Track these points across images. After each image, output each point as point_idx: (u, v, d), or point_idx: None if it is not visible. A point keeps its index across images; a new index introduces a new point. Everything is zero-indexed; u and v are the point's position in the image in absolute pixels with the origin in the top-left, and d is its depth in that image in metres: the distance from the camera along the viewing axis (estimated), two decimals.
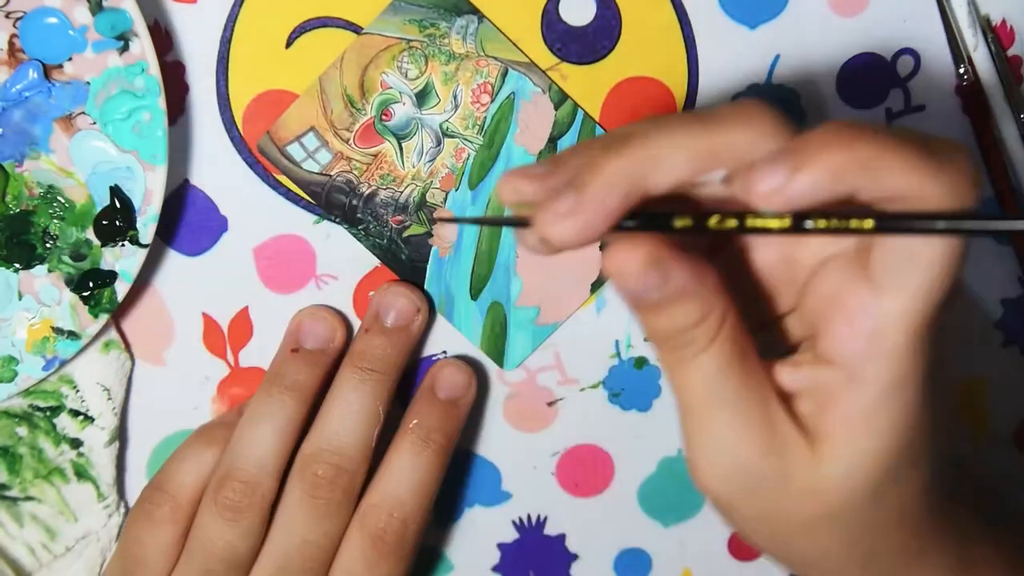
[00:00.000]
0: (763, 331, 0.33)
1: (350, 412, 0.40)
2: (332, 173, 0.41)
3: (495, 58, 0.41)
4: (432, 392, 0.43)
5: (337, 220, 0.42)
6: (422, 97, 0.41)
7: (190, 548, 0.40)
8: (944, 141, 0.27)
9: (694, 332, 0.29)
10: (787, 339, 0.33)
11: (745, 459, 0.30)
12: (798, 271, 0.32)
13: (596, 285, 0.44)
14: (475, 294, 0.43)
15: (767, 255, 0.32)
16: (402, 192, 0.42)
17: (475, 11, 0.41)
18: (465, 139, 0.42)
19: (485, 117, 0.42)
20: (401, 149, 0.41)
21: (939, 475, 0.33)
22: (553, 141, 0.42)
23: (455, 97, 0.41)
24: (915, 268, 0.28)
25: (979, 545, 0.35)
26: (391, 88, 0.41)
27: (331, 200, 0.41)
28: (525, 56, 0.41)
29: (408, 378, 0.45)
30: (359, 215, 0.41)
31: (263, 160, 0.41)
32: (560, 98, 0.42)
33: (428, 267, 0.43)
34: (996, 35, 0.43)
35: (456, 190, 0.42)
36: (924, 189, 0.26)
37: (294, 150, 0.41)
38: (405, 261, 0.42)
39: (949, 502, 0.34)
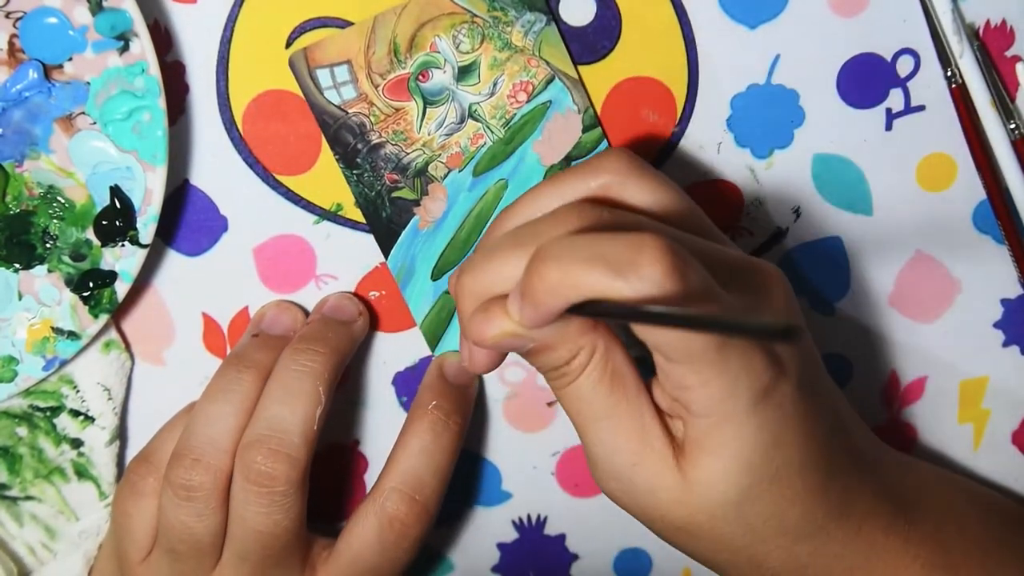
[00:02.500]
0: None
1: (289, 393, 0.39)
2: (349, 111, 0.41)
3: (547, 62, 0.41)
4: (444, 376, 0.43)
5: (337, 157, 0.41)
6: (464, 72, 0.41)
7: (159, 526, 0.40)
8: (628, 245, 0.31)
9: (564, 368, 0.34)
10: None
11: (619, 467, 0.35)
12: None
13: None
14: (436, 275, 0.43)
15: None
16: (408, 154, 0.41)
17: (547, 12, 0.41)
18: (488, 127, 0.42)
19: (515, 114, 0.42)
20: (424, 114, 0.41)
21: (821, 485, 0.35)
22: (569, 159, 0.42)
23: (495, 84, 0.41)
24: (662, 343, 0.32)
25: (888, 552, 0.37)
26: (439, 53, 0.41)
27: (338, 136, 0.41)
28: (576, 72, 0.41)
29: (409, 378, 0.45)
30: (359, 159, 0.41)
31: (295, 74, 0.41)
32: (592, 123, 0.42)
33: (402, 233, 0.43)
34: (982, 42, 0.43)
35: (459, 171, 0.42)
36: (613, 292, 0.30)
37: (322, 75, 0.40)
38: (383, 219, 0.42)
39: (852, 508, 0.36)
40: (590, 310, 0.31)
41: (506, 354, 0.36)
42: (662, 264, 0.30)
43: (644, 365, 0.35)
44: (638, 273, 0.30)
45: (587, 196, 0.36)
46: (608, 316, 0.32)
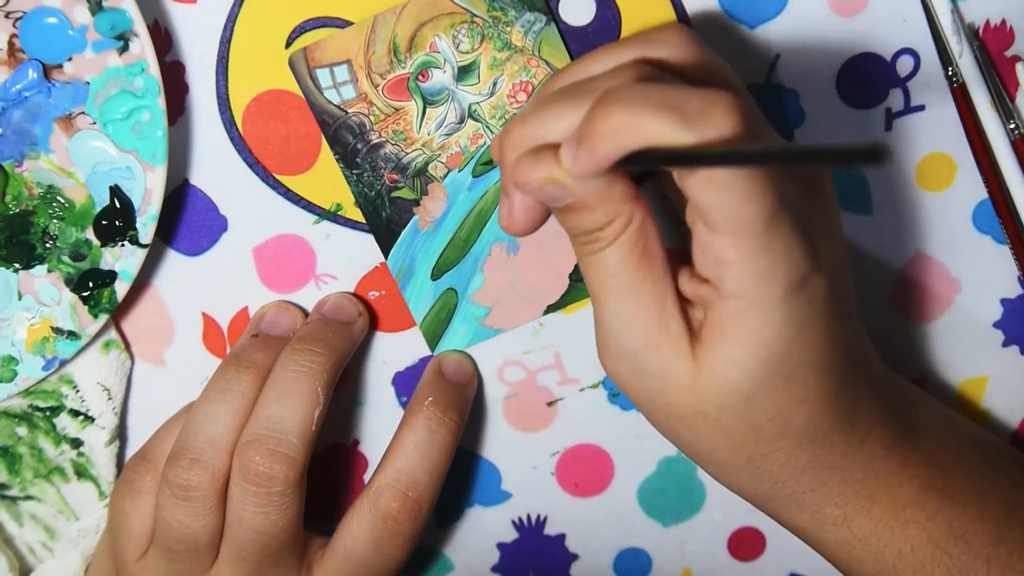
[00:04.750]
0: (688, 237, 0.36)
1: (287, 393, 0.39)
2: (349, 111, 0.41)
3: (547, 62, 0.41)
4: (442, 374, 0.43)
5: (336, 157, 0.41)
6: (464, 72, 0.41)
7: (156, 525, 0.40)
8: (703, 96, 0.30)
9: (598, 233, 0.33)
10: None
11: (631, 346, 0.34)
12: (681, 199, 0.35)
13: (551, 308, 0.44)
14: (436, 275, 0.43)
15: (672, 179, 0.35)
16: (407, 154, 0.41)
17: (547, 12, 0.41)
18: (488, 127, 0.42)
19: (515, 114, 0.42)
20: (424, 114, 0.41)
21: (833, 393, 0.35)
22: None
23: (495, 84, 0.41)
24: (714, 209, 0.31)
25: (887, 470, 0.37)
26: (438, 53, 0.41)
27: (337, 136, 0.41)
28: None
29: (409, 378, 0.45)
30: (358, 159, 0.41)
31: (295, 74, 0.41)
32: None
33: (402, 233, 0.43)
34: (982, 43, 0.43)
35: (459, 171, 0.42)
36: (676, 140, 0.30)
37: (322, 75, 0.40)
38: (384, 219, 0.42)
39: (856, 422, 0.36)
40: (651, 158, 0.30)
41: (545, 218, 0.35)
42: (734, 119, 0.29)
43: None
44: (709, 123, 0.29)
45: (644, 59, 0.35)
46: (670, 163, 0.31)
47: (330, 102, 0.41)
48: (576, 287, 0.44)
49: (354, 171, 0.42)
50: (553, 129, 0.33)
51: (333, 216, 0.43)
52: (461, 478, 0.47)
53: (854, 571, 0.38)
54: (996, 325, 0.46)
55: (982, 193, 0.44)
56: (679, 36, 0.35)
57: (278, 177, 0.42)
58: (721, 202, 0.31)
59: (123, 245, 0.40)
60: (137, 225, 0.39)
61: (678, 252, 0.35)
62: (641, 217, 0.33)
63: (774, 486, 0.36)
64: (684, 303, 0.34)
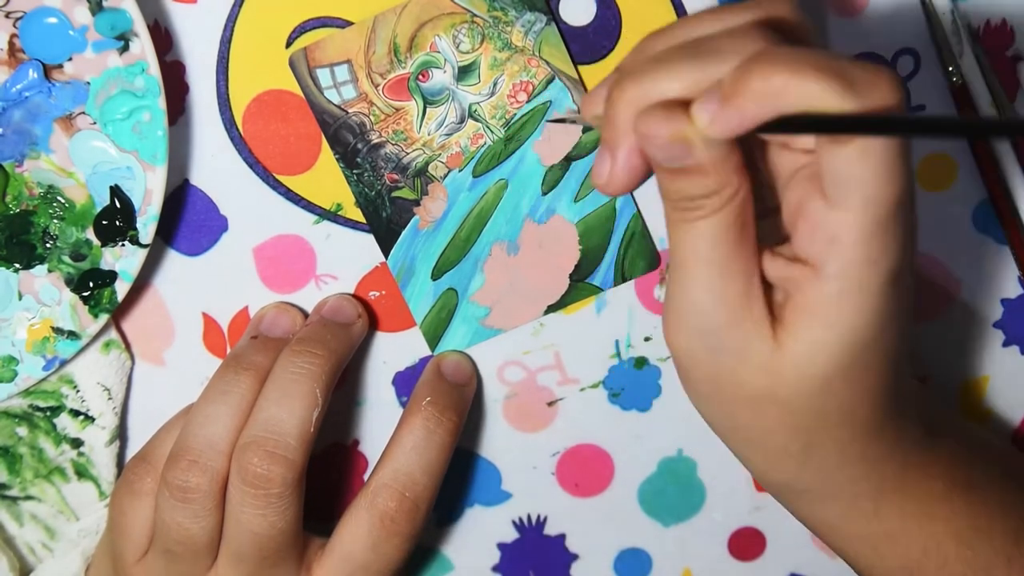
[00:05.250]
0: (767, 217, 0.35)
1: (286, 395, 0.39)
2: (350, 111, 0.41)
3: (547, 62, 0.41)
4: (441, 374, 0.43)
5: (337, 157, 0.41)
6: (464, 72, 0.41)
7: (155, 526, 0.40)
8: (866, 65, 0.29)
9: (703, 200, 0.32)
10: (781, 231, 0.35)
11: (714, 322, 0.33)
12: (784, 174, 0.34)
13: (552, 308, 0.44)
14: (437, 275, 0.43)
15: (776, 154, 0.35)
16: (408, 154, 0.41)
17: (547, 12, 0.41)
18: (488, 127, 0.42)
19: (515, 114, 0.42)
20: (424, 114, 0.41)
21: (893, 389, 0.35)
22: (569, 160, 0.42)
23: (495, 84, 0.41)
24: (854, 184, 0.30)
25: (918, 466, 0.37)
26: (439, 52, 0.41)
27: (338, 136, 0.41)
28: (576, 72, 0.41)
29: (409, 378, 0.45)
30: (359, 159, 0.41)
31: (295, 74, 0.41)
32: None
33: (403, 233, 0.43)
34: (983, 43, 0.43)
35: (459, 171, 0.42)
36: (839, 106, 0.29)
37: (322, 75, 0.40)
38: (384, 219, 0.42)
39: (901, 417, 0.36)
40: (804, 123, 0.29)
41: (643, 179, 0.34)
42: (899, 91, 0.29)
43: None
44: (874, 93, 0.29)
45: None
46: (830, 130, 0.30)
47: (330, 102, 0.41)
48: (576, 287, 0.44)
49: (354, 171, 0.42)
50: (674, 87, 0.31)
51: (333, 216, 0.43)
52: (461, 478, 0.47)
53: (875, 568, 0.38)
54: (996, 325, 0.46)
55: (982, 193, 0.44)
56: (788, 4, 0.34)
57: (278, 177, 0.42)
58: (863, 176, 0.30)
59: (123, 245, 0.40)
60: (137, 225, 0.39)
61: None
62: (746, 191, 0.32)
63: (818, 475, 0.36)
64: (765, 285, 0.34)
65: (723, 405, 0.35)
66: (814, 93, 0.29)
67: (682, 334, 0.34)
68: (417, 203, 0.42)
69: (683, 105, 0.31)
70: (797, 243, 0.33)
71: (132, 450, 0.44)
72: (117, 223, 0.39)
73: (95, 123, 0.38)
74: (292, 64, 0.40)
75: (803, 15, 0.34)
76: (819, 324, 0.32)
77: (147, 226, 0.39)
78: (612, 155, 0.33)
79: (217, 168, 0.42)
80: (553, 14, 0.41)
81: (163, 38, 0.40)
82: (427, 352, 0.45)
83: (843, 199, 0.31)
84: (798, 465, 0.36)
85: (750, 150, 0.35)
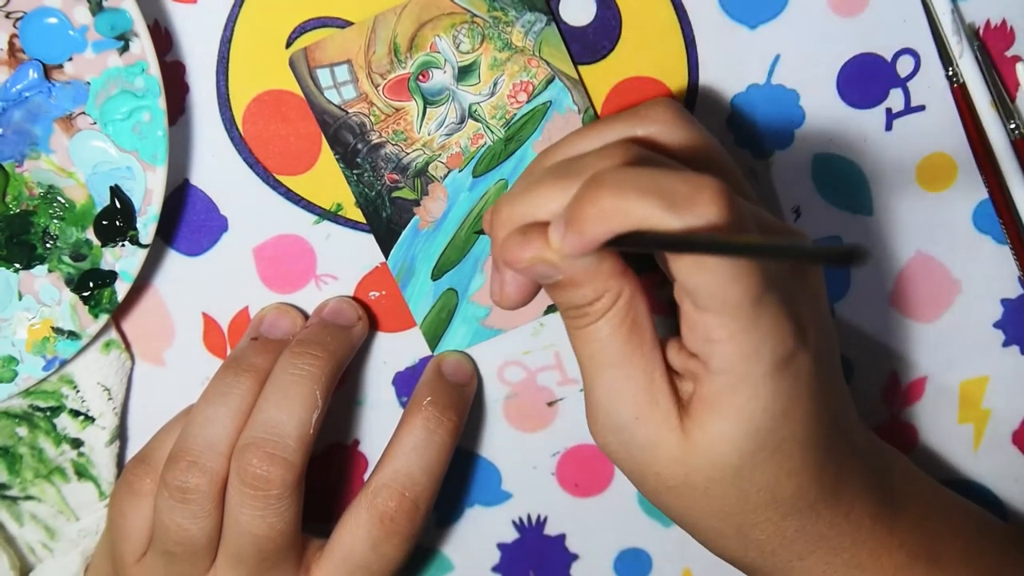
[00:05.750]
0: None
1: (286, 396, 0.39)
2: (350, 111, 0.41)
3: (547, 62, 0.41)
4: (441, 374, 0.43)
5: (337, 157, 0.41)
6: (464, 73, 0.41)
7: (154, 527, 0.40)
8: (689, 181, 0.31)
9: (587, 308, 0.34)
10: None
11: (620, 419, 0.35)
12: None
13: (552, 308, 0.44)
14: (437, 275, 0.43)
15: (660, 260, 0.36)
16: (408, 154, 0.41)
17: (547, 12, 0.41)
18: (488, 127, 0.42)
19: (515, 114, 0.42)
20: (424, 114, 0.41)
21: (817, 464, 0.35)
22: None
23: (495, 84, 0.41)
24: (703, 290, 0.32)
25: (875, 539, 0.37)
26: (439, 53, 0.41)
27: (338, 136, 0.41)
28: (576, 72, 0.41)
29: (409, 378, 0.45)
30: (359, 159, 0.41)
31: (295, 74, 0.41)
32: None
33: (403, 233, 0.43)
34: (983, 42, 0.43)
35: (459, 171, 0.42)
36: (663, 224, 0.30)
37: (323, 75, 0.40)
38: (384, 219, 0.42)
39: (842, 492, 0.36)
40: (636, 241, 0.31)
41: (536, 291, 0.36)
42: (719, 204, 0.30)
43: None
44: (695, 210, 0.30)
45: (632, 139, 0.35)
46: (657, 247, 0.31)
47: (330, 102, 0.41)
48: None
49: (354, 171, 0.42)
50: (542, 208, 0.33)
51: (333, 216, 0.43)
52: (461, 478, 0.47)
53: None
54: (996, 325, 0.46)
55: (982, 193, 0.44)
56: (668, 113, 0.36)
57: (278, 177, 0.42)
58: (708, 283, 0.31)
59: (123, 245, 0.40)
60: (137, 225, 0.39)
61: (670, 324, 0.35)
62: (630, 291, 0.34)
63: (762, 555, 0.37)
64: (673, 375, 0.35)
65: (652, 494, 0.36)
66: (639, 213, 0.30)
67: (598, 433, 0.36)
68: (417, 203, 0.42)
69: (547, 226, 0.33)
70: (685, 340, 0.34)
71: (132, 450, 0.44)
72: (117, 223, 0.39)
73: (95, 123, 0.38)
74: (292, 64, 0.40)
75: (684, 122, 0.36)
76: (718, 415, 0.34)
77: (147, 226, 0.39)
78: (500, 275, 0.36)
79: (217, 168, 0.42)
80: (553, 14, 0.41)
81: (163, 38, 0.40)
82: (427, 352, 0.45)
83: (702, 303, 0.32)
84: (740, 546, 0.37)
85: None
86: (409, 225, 0.43)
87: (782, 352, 0.33)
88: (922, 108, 0.43)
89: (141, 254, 0.40)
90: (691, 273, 0.32)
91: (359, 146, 0.41)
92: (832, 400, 0.36)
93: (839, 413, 0.37)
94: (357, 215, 0.43)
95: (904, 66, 0.43)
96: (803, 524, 0.36)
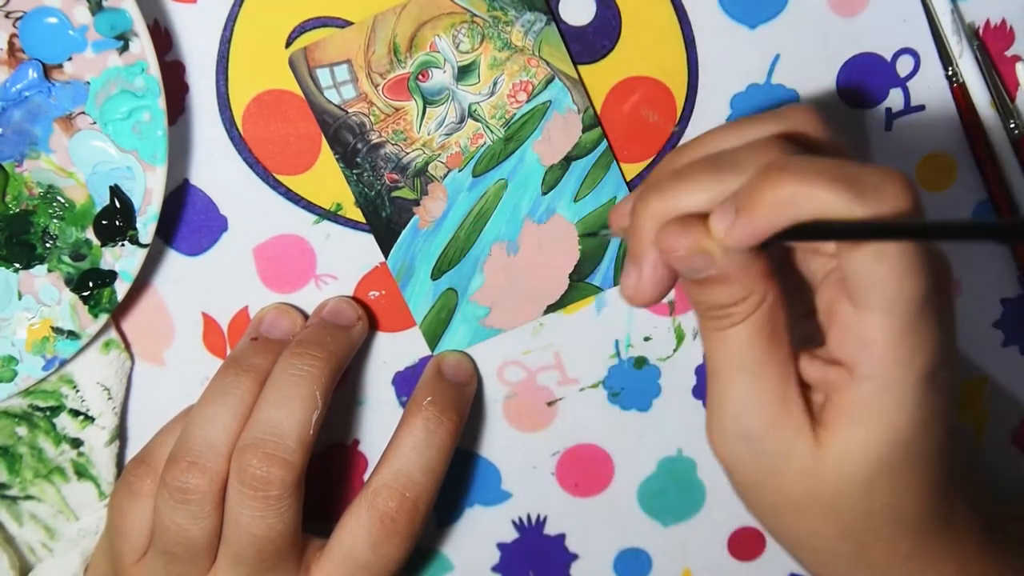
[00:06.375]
0: (807, 318, 0.35)
1: (286, 397, 0.39)
2: (349, 111, 0.41)
3: (547, 62, 0.41)
4: (441, 374, 0.43)
5: (337, 157, 0.41)
6: (464, 72, 0.41)
7: (154, 528, 0.40)
8: (874, 170, 0.30)
9: (731, 308, 0.33)
10: (819, 332, 0.35)
11: (753, 427, 0.33)
12: (815, 278, 0.35)
13: (551, 308, 0.44)
14: (436, 275, 0.43)
15: (808, 258, 0.35)
16: (408, 154, 0.41)
17: (547, 12, 0.41)
18: (488, 127, 0.42)
19: (515, 113, 0.42)
20: (424, 113, 0.41)
21: (942, 485, 0.34)
22: (568, 160, 0.42)
23: (495, 84, 0.41)
24: (875, 286, 0.31)
25: (979, 565, 0.36)
26: (438, 52, 0.41)
27: (338, 136, 0.41)
28: (576, 72, 0.41)
29: (409, 378, 0.45)
30: (359, 159, 0.41)
31: (294, 74, 0.41)
32: (592, 123, 0.42)
33: (402, 233, 0.43)
34: (982, 42, 0.43)
35: (459, 171, 0.42)
36: (849, 212, 0.29)
37: (322, 74, 0.40)
38: (384, 219, 0.42)
39: (954, 515, 0.36)
40: (814, 231, 0.30)
41: (671, 287, 0.34)
42: (908, 194, 0.29)
43: None
44: (883, 198, 0.29)
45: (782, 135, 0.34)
46: (840, 237, 0.30)
47: (330, 102, 0.41)
48: (576, 287, 0.44)
49: (354, 171, 0.42)
50: (695, 200, 0.32)
51: (333, 216, 0.43)
52: (461, 478, 0.47)
53: None
54: (996, 325, 0.46)
55: (982, 193, 0.44)
56: (812, 115, 0.35)
57: (278, 177, 0.42)
58: (882, 279, 0.30)
59: (123, 245, 0.40)
60: (137, 225, 0.39)
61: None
62: (775, 296, 0.33)
63: (872, 574, 0.36)
64: (803, 387, 0.34)
65: (770, 508, 0.35)
66: (824, 201, 0.29)
67: (724, 440, 0.34)
68: (417, 203, 0.42)
69: (703, 217, 0.32)
70: (831, 345, 0.33)
71: (132, 450, 0.44)
72: (117, 223, 0.39)
73: (95, 123, 0.38)
74: (292, 64, 0.40)
75: (828, 127, 0.35)
76: (858, 424, 0.32)
77: (147, 226, 0.39)
78: (638, 267, 0.34)
79: (217, 168, 0.42)
80: (553, 14, 0.41)
81: (163, 38, 0.40)
82: (427, 352, 0.45)
83: (867, 301, 0.31)
84: (850, 566, 0.35)
85: (785, 253, 0.36)
86: (409, 225, 0.43)
87: (933, 362, 0.32)
88: (922, 108, 0.43)
89: (141, 254, 0.40)
90: (867, 266, 0.30)
91: (359, 146, 0.41)
92: (953, 417, 0.35)
93: (954, 431, 0.36)
94: (357, 215, 0.43)
95: (904, 66, 0.43)
96: (917, 545, 0.35)
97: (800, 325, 0.34)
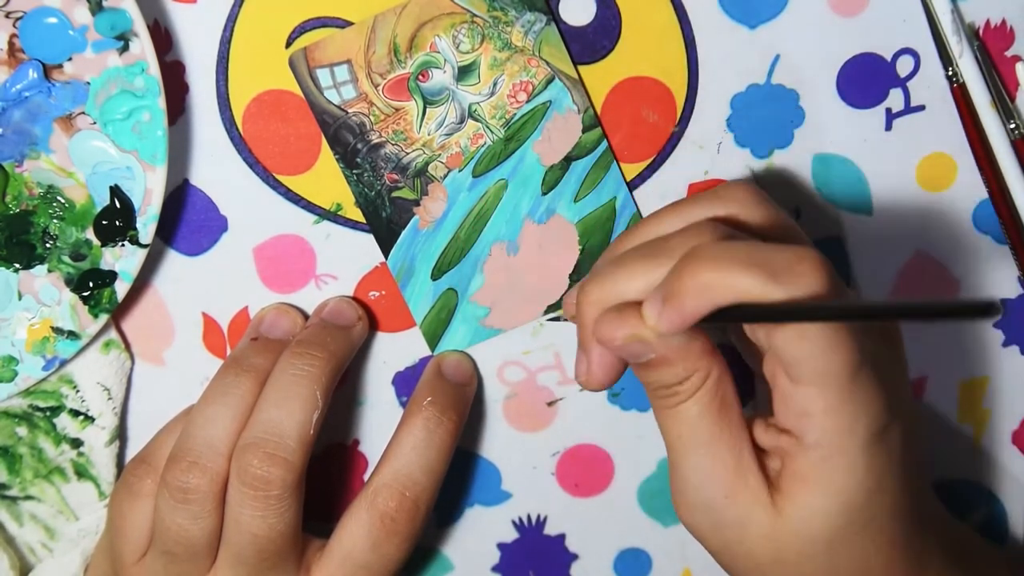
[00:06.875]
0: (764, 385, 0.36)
1: (286, 397, 0.39)
2: (349, 111, 0.41)
3: (547, 62, 0.41)
4: (441, 374, 0.43)
5: (337, 157, 0.41)
6: (464, 72, 0.41)
7: (155, 527, 0.40)
8: (788, 253, 0.31)
9: (677, 387, 0.34)
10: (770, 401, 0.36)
11: (711, 498, 0.35)
12: (760, 351, 0.36)
13: (552, 308, 0.44)
14: (436, 275, 0.43)
15: (754, 329, 0.36)
16: (408, 154, 0.41)
17: (547, 12, 0.41)
18: (488, 127, 0.42)
19: (515, 114, 0.42)
20: (424, 114, 0.41)
21: (906, 534, 0.35)
22: (568, 160, 0.42)
23: (495, 84, 0.41)
24: (803, 362, 0.32)
25: None
26: (439, 53, 0.41)
27: (338, 136, 0.41)
28: (576, 72, 0.41)
29: (409, 378, 0.45)
30: (359, 159, 0.41)
31: (294, 74, 0.41)
32: (592, 123, 0.42)
33: (402, 233, 0.43)
34: (982, 42, 0.43)
35: (459, 171, 0.42)
36: (765, 296, 0.30)
37: (322, 75, 0.40)
38: (384, 219, 0.42)
39: (926, 558, 0.37)
40: (736, 314, 0.31)
41: (623, 370, 0.36)
42: (821, 275, 0.30)
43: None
44: (797, 280, 0.30)
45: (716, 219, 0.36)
46: (760, 319, 0.32)
47: (330, 102, 0.41)
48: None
49: (354, 171, 0.42)
50: (632, 287, 0.34)
51: (333, 216, 0.43)
52: (461, 478, 0.47)
53: None
54: (996, 325, 0.46)
55: (982, 193, 0.44)
56: (748, 194, 0.36)
57: (278, 177, 0.42)
58: (808, 355, 0.31)
59: (123, 245, 0.40)
60: (137, 225, 0.39)
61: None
62: (719, 371, 0.34)
63: None
64: (760, 453, 0.35)
65: (742, 572, 0.36)
66: (742, 286, 0.30)
67: (688, 512, 0.36)
68: (417, 203, 0.42)
69: (639, 305, 0.33)
70: (777, 416, 0.34)
71: (132, 450, 0.44)
72: (117, 223, 0.39)
73: (95, 123, 0.38)
74: (292, 64, 0.40)
75: (763, 204, 0.36)
76: (811, 491, 0.33)
77: (147, 226, 0.39)
78: (587, 356, 0.36)
79: (217, 168, 0.42)
80: (553, 14, 0.41)
81: (163, 38, 0.40)
82: (427, 352, 0.45)
83: (799, 376, 0.32)
84: None
85: (737, 327, 0.37)
86: (409, 225, 0.43)
87: (877, 425, 0.33)
88: (922, 108, 0.43)
89: (141, 254, 0.40)
90: (792, 344, 0.32)
91: (359, 146, 0.41)
92: (917, 469, 0.36)
93: (923, 486, 0.37)
94: (357, 215, 0.43)
95: (904, 66, 0.43)
96: None
97: (761, 394, 0.35)
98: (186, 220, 0.42)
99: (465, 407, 0.43)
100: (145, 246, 0.40)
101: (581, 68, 0.42)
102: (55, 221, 0.40)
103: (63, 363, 0.41)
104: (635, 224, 0.37)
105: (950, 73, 0.43)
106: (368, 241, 0.43)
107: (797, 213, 0.44)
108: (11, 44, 0.38)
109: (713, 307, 0.31)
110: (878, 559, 0.35)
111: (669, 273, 0.32)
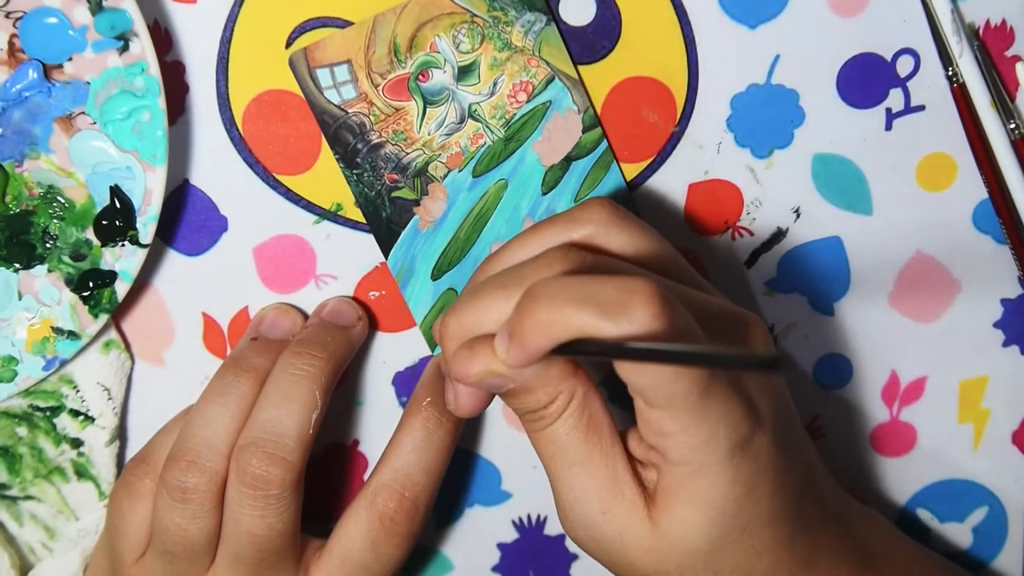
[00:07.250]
0: None
1: (285, 397, 0.39)
2: (349, 111, 0.41)
3: (547, 62, 0.41)
4: (441, 374, 0.43)
5: (337, 157, 0.41)
6: (464, 73, 0.41)
7: (154, 527, 0.40)
8: (620, 288, 0.31)
9: (542, 412, 0.35)
10: None
11: (588, 514, 0.35)
12: None
13: None
14: (437, 275, 0.43)
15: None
16: (408, 154, 0.41)
17: (547, 12, 0.41)
18: (488, 127, 0.42)
19: (515, 114, 0.42)
20: (424, 114, 0.41)
21: (788, 535, 0.36)
22: (568, 160, 0.42)
23: (495, 84, 0.41)
24: (648, 389, 0.32)
25: None
26: (439, 53, 0.41)
27: (338, 136, 0.41)
28: (576, 72, 0.42)
29: (409, 378, 0.45)
30: (359, 159, 0.41)
31: (294, 75, 0.41)
32: (592, 123, 0.42)
33: (403, 233, 0.43)
34: (982, 42, 0.43)
35: (459, 171, 0.42)
36: (599, 332, 0.31)
37: (322, 75, 0.40)
38: (384, 219, 0.42)
39: (816, 557, 0.37)
40: (576, 349, 0.31)
41: (491, 398, 0.37)
42: (651, 308, 0.30)
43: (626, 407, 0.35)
44: (628, 315, 0.30)
45: (570, 244, 0.36)
46: (594, 355, 0.32)
47: (330, 102, 0.41)
48: None
49: (354, 171, 0.42)
50: (487, 319, 0.34)
51: (333, 216, 0.43)
52: (461, 478, 0.47)
53: None
54: (996, 325, 0.46)
55: (982, 193, 0.44)
56: (603, 214, 0.36)
57: (278, 177, 0.42)
58: (652, 382, 0.32)
59: (123, 245, 0.40)
60: (137, 225, 0.39)
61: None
62: (583, 391, 0.35)
63: None
64: (636, 464, 0.35)
65: None
66: (578, 323, 0.31)
67: (569, 528, 0.36)
68: (417, 203, 0.42)
69: (492, 337, 0.34)
70: (643, 434, 0.34)
71: (132, 450, 0.44)
72: (117, 223, 0.39)
73: (95, 123, 0.38)
74: (292, 64, 0.40)
75: (621, 223, 0.36)
76: (683, 504, 0.34)
77: (147, 226, 0.39)
78: (454, 387, 0.36)
79: (217, 168, 0.42)
80: (553, 14, 0.41)
81: (163, 38, 0.40)
82: (427, 352, 0.45)
83: (651, 400, 0.33)
84: None
85: None
86: (409, 225, 0.43)
87: (736, 438, 0.33)
88: (922, 108, 0.43)
89: (141, 254, 0.40)
90: (635, 374, 0.32)
91: (359, 146, 0.41)
92: (798, 470, 0.37)
93: (806, 481, 0.37)
94: (357, 215, 0.43)
95: (904, 66, 0.43)
96: None
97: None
98: (186, 220, 0.42)
99: None
100: (145, 246, 0.40)
101: (581, 68, 0.42)
102: (55, 221, 0.40)
103: (63, 363, 0.41)
104: (498, 249, 0.38)
105: (950, 73, 0.43)
106: (368, 241, 0.43)
107: (797, 213, 0.44)
108: (11, 44, 0.38)
109: (555, 343, 0.31)
110: (760, 563, 0.35)
111: (514, 308, 0.33)
